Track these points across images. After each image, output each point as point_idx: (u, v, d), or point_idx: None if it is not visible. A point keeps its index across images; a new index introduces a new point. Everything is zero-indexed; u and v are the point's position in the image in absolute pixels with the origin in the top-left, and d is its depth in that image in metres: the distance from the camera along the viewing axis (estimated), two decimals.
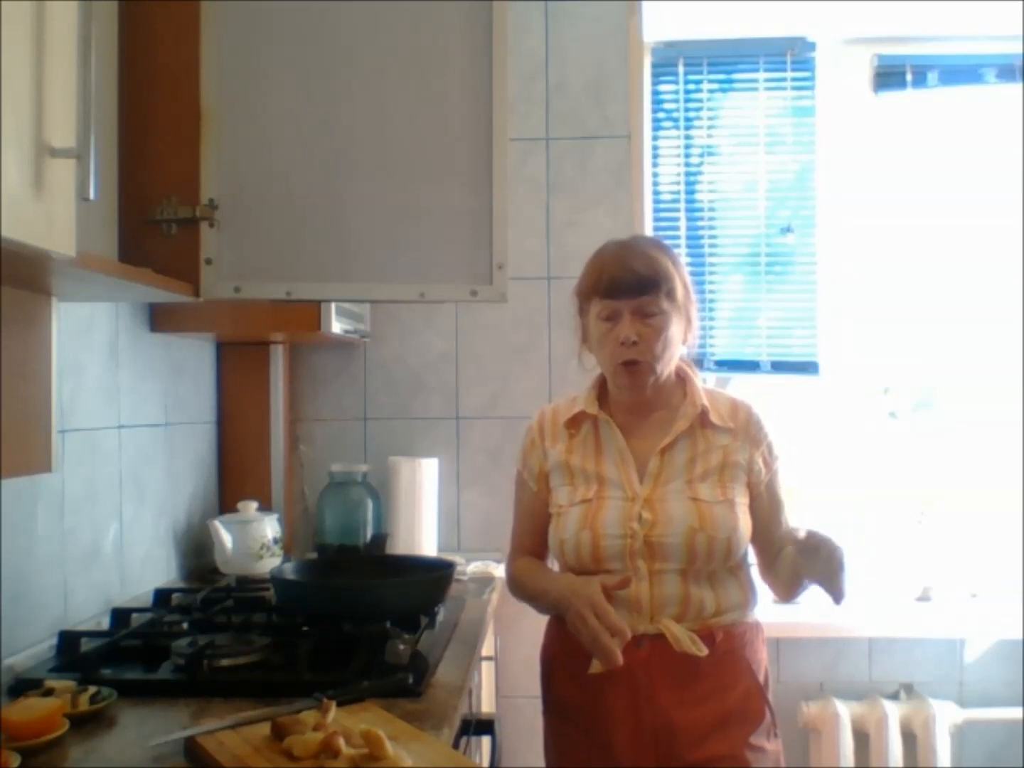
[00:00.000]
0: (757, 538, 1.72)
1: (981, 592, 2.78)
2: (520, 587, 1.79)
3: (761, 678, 1.71)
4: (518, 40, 2.69)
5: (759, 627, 1.75)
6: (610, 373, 1.71)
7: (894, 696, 2.70)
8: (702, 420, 1.71)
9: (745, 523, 1.67)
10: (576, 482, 1.72)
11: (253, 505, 2.47)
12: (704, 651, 1.62)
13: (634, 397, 1.71)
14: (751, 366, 2.82)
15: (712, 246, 2.84)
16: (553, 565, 1.82)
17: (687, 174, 2.86)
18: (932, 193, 2.84)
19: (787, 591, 1.72)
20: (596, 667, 1.59)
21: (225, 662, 1.53)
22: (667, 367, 1.69)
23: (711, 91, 2.86)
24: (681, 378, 1.76)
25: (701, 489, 1.67)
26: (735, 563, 1.69)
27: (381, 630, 1.62)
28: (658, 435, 1.71)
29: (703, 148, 2.86)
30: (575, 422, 1.76)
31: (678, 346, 1.71)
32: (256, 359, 2.69)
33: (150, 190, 1.58)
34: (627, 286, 1.64)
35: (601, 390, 1.77)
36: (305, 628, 1.70)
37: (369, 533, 2.59)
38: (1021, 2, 2.55)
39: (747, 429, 1.72)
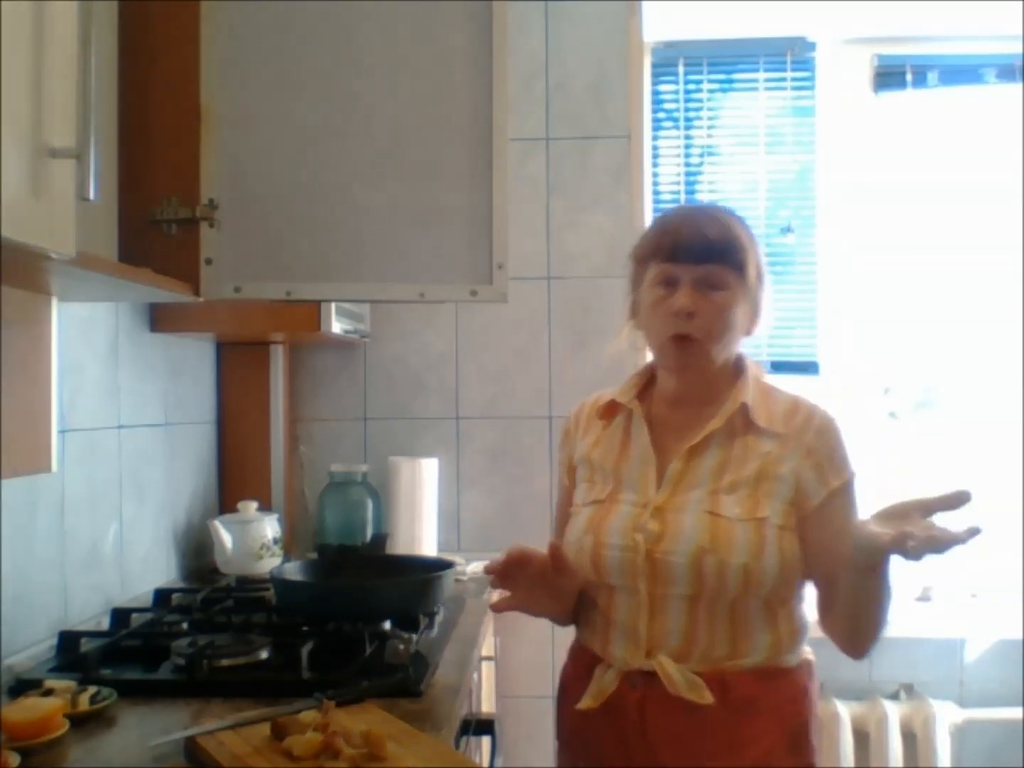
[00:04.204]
0: (813, 573, 1.42)
1: (981, 592, 2.77)
2: None
3: (793, 734, 1.41)
4: (518, 40, 2.68)
5: (802, 671, 1.44)
6: (657, 348, 1.47)
7: (894, 696, 2.70)
8: (745, 421, 1.43)
9: (779, 549, 1.37)
10: (595, 479, 1.50)
11: (253, 505, 2.47)
12: (708, 699, 1.36)
13: (681, 382, 1.47)
14: None
15: None
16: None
17: (687, 174, 2.86)
18: (932, 193, 2.84)
19: (847, 622, 1.39)
20: (586, 702, 1.44)
21: (225, 662, 1.53)
22: (723, 353, 1.43)
23: (711, 91, 2.85)
24: (738, 371, 1.48)
25: (725, 502, 1.39)
26: (773, 596, 1.40)
27: (381, 630, 1.62)
28: (691, 434, 1.44)
29: (703, 148, 2.86)
30: (609, 411, 1.53)
31: (739, 333, 1.45)
32: (256, 359, 2.69)
33: (150, 190, 1.58)
34: (693, 250, 1.39)
35: (649, 380, 1.54)
36: (305, 628, 1.69)
37: (369, 533, 2.59)
38: (1021, 2, 2.55)
39: (801, 436, 1.41)
